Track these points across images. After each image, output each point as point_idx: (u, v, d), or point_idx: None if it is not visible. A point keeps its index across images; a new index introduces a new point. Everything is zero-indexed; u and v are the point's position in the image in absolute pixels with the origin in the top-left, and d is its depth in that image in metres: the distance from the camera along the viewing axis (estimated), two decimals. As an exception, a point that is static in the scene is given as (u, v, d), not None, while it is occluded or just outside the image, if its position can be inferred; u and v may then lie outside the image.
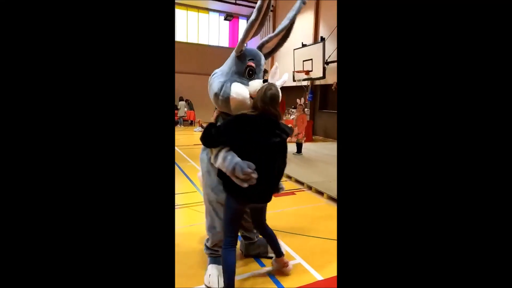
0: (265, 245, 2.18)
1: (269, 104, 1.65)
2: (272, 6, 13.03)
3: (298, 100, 6.91)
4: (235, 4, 12.71)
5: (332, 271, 2.04)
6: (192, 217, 3.04)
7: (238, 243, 1.92)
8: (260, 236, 2.15)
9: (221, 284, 1.78)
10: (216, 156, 1.67)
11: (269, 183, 1.74)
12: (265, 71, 1.97)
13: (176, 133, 10.36)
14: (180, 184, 4.20)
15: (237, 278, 1.96)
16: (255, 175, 1.58)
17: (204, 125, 2.02)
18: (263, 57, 1.95)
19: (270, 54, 2.09)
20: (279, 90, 1.72)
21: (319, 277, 2.02)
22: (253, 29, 1.83)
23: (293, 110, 8.88)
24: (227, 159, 1.61)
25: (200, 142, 1.73)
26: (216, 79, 1.86)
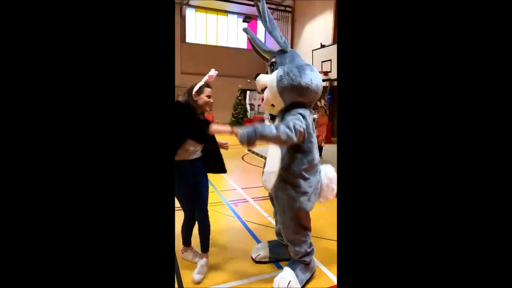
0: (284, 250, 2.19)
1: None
2: (290, 7, 13.01)
3: (318, 102, 6.81)
4: (254, 6, 12.76)
5: (350, 275, 2.00)
6: (210, 217, 3.06)
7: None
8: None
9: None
10: None
11: None
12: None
13: (194, 134, 10.47)
14: (198, 184, 4.25)
15: (252, 279, 1.98)
16: None
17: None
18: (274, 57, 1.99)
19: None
20: (197, 85, 1.92)
21: (336, 280, 1.99)
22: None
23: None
24: None
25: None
26: None
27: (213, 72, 1.95)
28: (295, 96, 1.78)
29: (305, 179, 1.82)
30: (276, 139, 1.62)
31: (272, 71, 1.91)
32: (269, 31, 1.85)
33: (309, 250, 1.93)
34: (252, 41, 2.03)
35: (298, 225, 1.88)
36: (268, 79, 1.84)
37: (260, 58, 2.11)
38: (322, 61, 9.40)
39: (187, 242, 2.19)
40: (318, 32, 10.43)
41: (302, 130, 1.68)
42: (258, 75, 1.96)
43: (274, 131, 1.59)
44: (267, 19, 1.83)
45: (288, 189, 1.82)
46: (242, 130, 1.59)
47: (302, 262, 1.93)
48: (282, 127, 1.61)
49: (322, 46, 9.69)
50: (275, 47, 2.00)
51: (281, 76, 1.75)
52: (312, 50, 9.84)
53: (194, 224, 2.13)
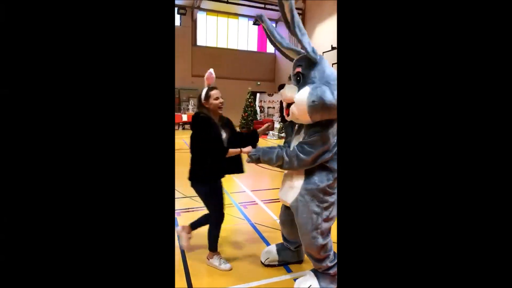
0: (296, 253, 2.19)
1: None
2: (301, 9, 13.01)
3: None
4: (264, 8, 12.82)
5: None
6: (219, 219, 3.07)
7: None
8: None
9: None
10: None
11: None
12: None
13: (205, 136, 10.53)
14: (208, 186, 4.27)
15: (261, 283, 1.96)
16: None
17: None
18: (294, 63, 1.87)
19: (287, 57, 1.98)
20: (202, 91, 2.02)
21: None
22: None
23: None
24: None
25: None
26: None
27: (209, 73, 2.03)
28: (325, 115, 1.72)
29: (330, 193, 1.80)
30: (276, 165, 1.83)
31: (297, 82, 1.78)
32: (298, 38, 1.63)
33: (330, 264, 1.85)
34: (269, 33, 1.81)
35: (320, 240, 1.80)
36: (296, 97, 1.72)
37: (281, 54, 1.97)
38: (333, 64, 9.36)
39: (216, 247, 2.17)
40: (329, 34, 10.38)
41: (309, 158, 1.74)
42: (282, 86, 1.87)
43: (274, 159, 1.81)
44: (295, 23, 1.58)
45: (311, 205, 1.77)
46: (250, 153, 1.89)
47: (325, 274, 1.87)
48: (283, 155, 1.79)
49: (333, 48, 9.65)
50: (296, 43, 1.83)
51: (313, 101, 1.66)
52: (323, 52, 9.81)
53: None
